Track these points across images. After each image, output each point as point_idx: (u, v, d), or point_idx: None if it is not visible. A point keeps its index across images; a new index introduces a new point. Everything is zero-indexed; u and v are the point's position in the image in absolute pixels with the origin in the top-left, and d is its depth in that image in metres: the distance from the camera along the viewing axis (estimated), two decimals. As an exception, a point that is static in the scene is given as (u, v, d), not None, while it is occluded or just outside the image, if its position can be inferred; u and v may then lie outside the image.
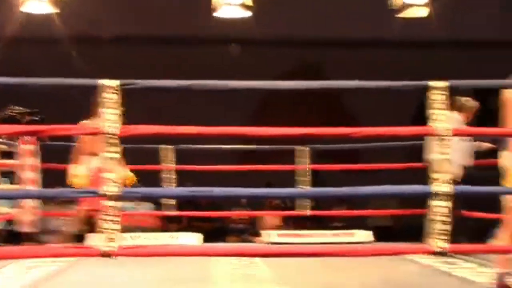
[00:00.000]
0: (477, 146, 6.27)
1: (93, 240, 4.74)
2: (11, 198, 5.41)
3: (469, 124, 6.01)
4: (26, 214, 6.12)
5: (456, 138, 5.31)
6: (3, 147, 6.35)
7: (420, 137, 5.63)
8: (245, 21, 8.99)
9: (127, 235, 5.88)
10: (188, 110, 9.05)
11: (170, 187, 6.51)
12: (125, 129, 3.38)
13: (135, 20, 10.03)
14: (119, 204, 3.30)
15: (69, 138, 5.71)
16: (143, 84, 3.50)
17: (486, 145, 6.28)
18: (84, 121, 5.29)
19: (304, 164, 6.85)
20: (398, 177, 5.70)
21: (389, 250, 4.17)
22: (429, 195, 3.40)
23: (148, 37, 10.25)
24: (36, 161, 6.17)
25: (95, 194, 3.43)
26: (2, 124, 5.84)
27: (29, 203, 6.04)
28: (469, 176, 5.82)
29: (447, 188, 3.36)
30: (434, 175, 3.40)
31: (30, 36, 9.12)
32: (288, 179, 6.84)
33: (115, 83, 3.36)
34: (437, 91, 3.47)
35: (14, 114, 7.01)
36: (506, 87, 3.78)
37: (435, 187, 3.38)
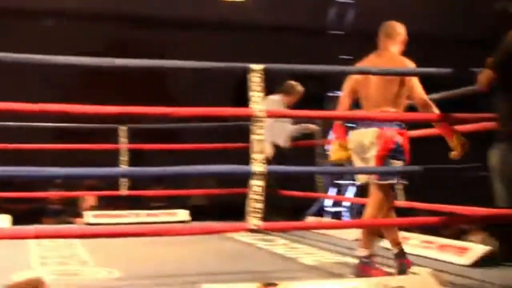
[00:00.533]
0: (304, 128, 6.52)
1: None
2: None
3: (294, 107, 6.24)
4: None
5: (271, 120, 5.51)
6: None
7: (241, 118, 5.79)
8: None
9: None
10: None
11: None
12: None
13: None
14: None
15: None
16: None
17: (313, 127, 6.56)
18: None
19: (122, 143, 6.73)
20: (218, 157, 5.81)
21: (206, 229, 4.23)
22: (247, 175, 3.48)
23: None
24: None
25: None
26: None
27: None
28: (284, 156, 6.07)
29: (261, 167, 3.45)
30: (252, 155, 3.49)
31: None
32: (106, 158, 6.69)
33: None
34: (256, 73, 3.54)
35: None
36: (322, 73, 3.99)
37: (252, 167, 3.47)
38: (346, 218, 9.05)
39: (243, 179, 3.62)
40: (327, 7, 9.84)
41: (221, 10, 10.86)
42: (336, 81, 9.79)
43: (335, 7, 9.80)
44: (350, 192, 9.20)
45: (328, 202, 9.08)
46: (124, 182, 6.74)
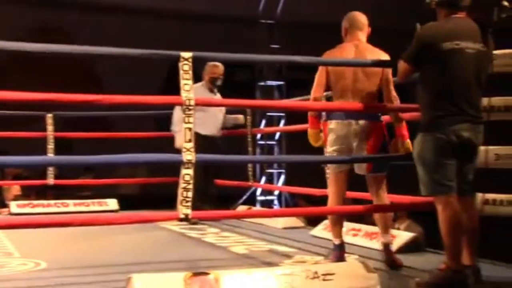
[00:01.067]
0: (234, 119, 6.49)
1: None
2: None
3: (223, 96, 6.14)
4: None
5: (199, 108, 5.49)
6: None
7: (171, 106, 5.75)
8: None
9: None
10: None
11: None
12: None
13: None
14: None
15: None
16: None
17: (241, 117, 6.52)
18: None
19: (49, 131, 6.57)
20: (148, 146, 5.75)
21: (136, 218, 4.18)
22: (177, 164, 3.46)
23: None
24: None
25: None
26: None
27: None
28: (215, 145, 6.05)
29: (191, 156, 3.44)
30: (183, 144, 3.46)
31: None
32: (32, 146, 6.51)
33: None
34: (186, 61, 3.51)
35: None
36: (252, 62, 3.98)
37: (182, 156, 3.44)
38: (276, 206, 9.14)
39: (175, 168, 3.60)
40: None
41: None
42: (266, 70, 9.88)
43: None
44: (280, 181, 9.29)
45: (259, 191, 9.14)
46: (51, 171, 6.59)
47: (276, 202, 9.30)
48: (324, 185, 5.46)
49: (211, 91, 6.09)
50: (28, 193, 8.37)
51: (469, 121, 3.20)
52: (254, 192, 8.97)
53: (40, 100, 3.42)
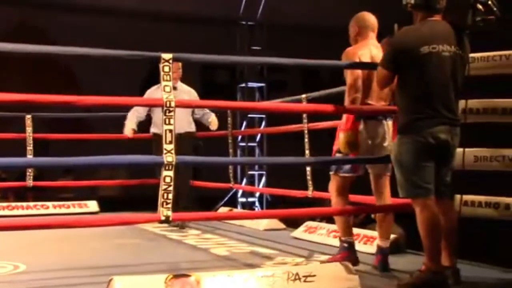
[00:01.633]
0: (207, 121, 6.40)
1: None
2: None
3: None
4: None
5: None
6: None
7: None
8: None
9: None
10: None
11: None
12: None
13: None
14: None
15: None
16: None
17: (213, 119, 6.38)
18: None
19: (27, 132, 6.51)
20: (128, 148, 5.72)
21: (117, 220, 4.16)
22: (158, 165, 3.45)
23: None
24: None
25: None
26: None
27: None
28: (185, 143, 6.00)
29: (171, 158, 3.42)
30: (163, 146, 3.45)
31: None
32: (11, 148, 6.45)
33: None
34: (166, 63, 3.50)
35: None
36: (232, 64, 3.97)
37: (162, 157, 3.43)
38: (257, 208, 9.14)
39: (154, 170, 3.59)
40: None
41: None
42: (247, 72, 9.89)
43: (247, -2, 9.84)
44: (261, 183, 9.30)
45: (240, 192, 9.15)
46: (30, 172, 6.53)
47: (257, 203, 9.31)
48: (304, 187, 5.50)
49: (174, 88, 5.83)
50: (6, 195, 8.30)
51: (446, 123, 3.23)
52: (235, 194, 8.98)
53: (18, 101, 3.39)
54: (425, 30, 3.25)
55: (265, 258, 4.12)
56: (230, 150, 6.79)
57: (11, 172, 8.24)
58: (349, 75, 3.69)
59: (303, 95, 5.50)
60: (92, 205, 6.87)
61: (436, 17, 3.29)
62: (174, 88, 5.73)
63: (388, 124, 3.78)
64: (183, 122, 5.74)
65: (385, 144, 3.77)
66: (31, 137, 6.49)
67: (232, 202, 8.63)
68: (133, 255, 4.39)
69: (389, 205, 4.11)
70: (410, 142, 3.22)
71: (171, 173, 3.43)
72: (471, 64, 3.76)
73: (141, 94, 5.87)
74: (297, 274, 3.02)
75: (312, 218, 5.48)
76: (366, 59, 3.72)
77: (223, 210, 6.95)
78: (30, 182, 6.54)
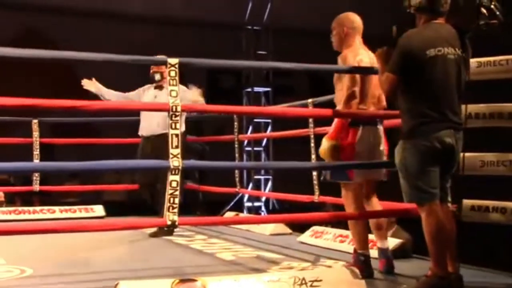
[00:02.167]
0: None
1: None
2: None
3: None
4: None
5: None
6: None
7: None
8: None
9: None
10: None
11: None
12: None
13: None
14: None
15: None
16: None
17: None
18: None
19: (34, 137, 6.53)
20: (134, 152, 5.73)
21: (123, 224, 4.16)
22: (165, 170, 3.45)
23: None
24: None
25: None
26: None
27: None
28: (201, 151, 6.01)
29: (177, 162, 3.43)
30: (170, 150, 3.46)
31: None
32: (18, 152, 6.47)
33: None
34: (172, 67, 3.51)
35: None
36: (238, 68, 3.97)
37: (168, 162, 3.44)
38: (263, 213, 9.14)
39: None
40: (246, 2, 9.88)
41: (141, 4, 10.72)
42: (253, 76, 9.90)
43: (252, 2, 9.85)
44: (267, 187, 9.30)
45: (246, 197, 9.15)
46: (36, 177, 6.54)
47: (263, 208, 9.30)
48: (311, 192, 5.50)
49: (160, 88, 5.61)
50: (12, 199, 8.32)
51: (451, 127, 3.21)
52: (241, 199, 8.98)
53: (25, 106, 3.41)
54: (430, 33, 3.24)
55: (272, 263, 4.12)
56: (236, 155, 6.79)
57: (18, 177, 8.25)
58: (349, 81, 3.65)
59: (309, 100, 5.50)
60: (98, 210, 6.88)
61: (439, 20, 3.28)
62: (161, 87, 5.69)
63: (380, 129, 3.79)
64: (158, 123, 5.49)
65: (381, 148, 3.78)
66: (37, 142, 6.51)
67: (238, 207, 8.63)
68: (139, 259, 4.39)
69: (394, 210, 4.10)
70: (415, 147, 3.20)
71: (177, 177, 3.43)
72: (478, 68, 3.74)
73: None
74: (303, 279, 3.02)
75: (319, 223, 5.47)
76: (366, 64, 3.70)
77: (229, 214, 6.95)
78: (36, 187, 6.56)
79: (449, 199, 3.40)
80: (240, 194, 8.38)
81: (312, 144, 5.53)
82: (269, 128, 9.40)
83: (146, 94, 5.64)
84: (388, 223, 4.20)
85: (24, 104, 3.35)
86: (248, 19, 9.88)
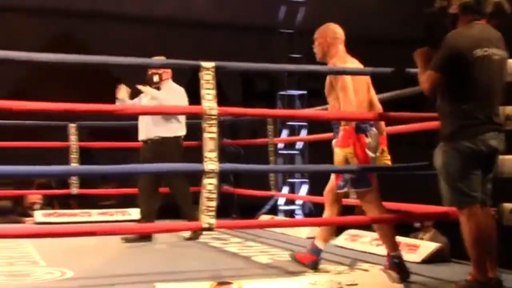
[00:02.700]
0: None
1: None
2: None
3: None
4: None
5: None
6: None
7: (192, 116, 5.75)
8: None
9: None
10: None
11: None
12: None
13: None
14: None
15: None
16: None
17: None
18: None
19: (72, 141, 6.64)
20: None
21: (159, 227, 4.21)
22: (200, 173, 3.48)
23: None
24: None
25: None
26: None
27: None
28: (235, 154, 6.02)
29: (213, 165, 3.45)
30: (204, 154, 3.48)
31: None
32: (56, 156, 6.59)
33: None
34: (207, 71, 3.53)
35: None
36: (272, 71, 3.98)
37: (204, 165, 3.46)
38: (299, 216, 9.11)
39: (198, 178, 3.61)
40: (278, 5, 9.88)
41: (171, 7, 10.79)
42: (287, 79, 9.88)
43: (286, 5, 9.84)
44: (303, 190, 9.27)
45: (281, 200, 9.14)
46: (74, 180, 6.65)
47: (299, 211, 9.28)
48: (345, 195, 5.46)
49: (158, 89, 5.61)
50: (51, 203, 8.45)
51: (495, 129, 3.16)
52: (276, 202, 8.97)
53: (63, 110, 3.47)
54: (477, 33, 3.17)
55: (307, 267, 4.10)
56: (271, 158, 6.79)
57: (56, 180, 8.38)
58: (344, 90, 3.69)
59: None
60: (134, 213, 6.94)
61: (482, 21, 3.24)
62: (158, 89, 5.70)
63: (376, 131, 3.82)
64: (150, 126, 5.52)
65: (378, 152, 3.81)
66: (75, 146, 6.61)
67: (274, 210, 8.63)
68: (176, 262, 4.42)
69: (431, 213, 4.06)
70: (458, 149, 3.13)
71: (213, 180, 3.45)
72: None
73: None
74: (339, 282, 3.01)
75: (354, 226, 5.44)
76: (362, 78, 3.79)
77: (264, 218, 6.96)
78: (74, 190, 6.66)
79: (489, 202, 3.35)
80: (275, 198, 8.39)
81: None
82: (304, 131, 9.38)
83: (143, 98, 5.65)
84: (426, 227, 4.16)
85: (62, 108, 3.42)
86: (281, 22, 9.87)
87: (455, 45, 3.16)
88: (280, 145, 9.14)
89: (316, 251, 3.93)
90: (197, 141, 4.38)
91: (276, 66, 6.12)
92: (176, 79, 5.76)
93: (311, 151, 9.39)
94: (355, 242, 4.95)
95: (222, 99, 3.65)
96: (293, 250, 4.83)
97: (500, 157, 3.35)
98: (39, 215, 6.69)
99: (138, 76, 5.56)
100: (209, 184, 3.46)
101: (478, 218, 3.12)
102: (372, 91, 3.92)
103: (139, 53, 3.67)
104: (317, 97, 9.67)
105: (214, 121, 3.50)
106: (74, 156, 6.61)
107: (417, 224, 6.07)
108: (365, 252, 4.65)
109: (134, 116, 5.57)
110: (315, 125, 8.42)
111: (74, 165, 6.34)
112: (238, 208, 6.28)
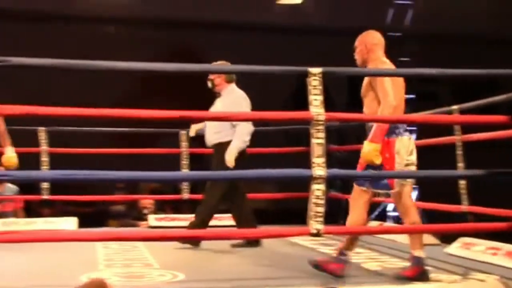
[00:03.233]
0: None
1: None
2: None
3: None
4: None
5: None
6: None
7: (297, 121, 5.77)
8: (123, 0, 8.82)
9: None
10: (62, 90, 8.76)
11: (42, 170, 6.24)
12: (-4, 109, 3.24)
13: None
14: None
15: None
16: (16, 61, 3.30)
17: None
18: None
19: (183, 147, 6.83)
20: (278, 161, 5.80)
21: (268, 233, 4.25)
22: (308, 179, 3.48)
23: (21, 13, 9.76)
24: None
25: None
26: None
27: None
28: (342, 159, 5.96)
29: (322, 171, 3.45)
30: (313, 159, 3.49)
31: None
32: (168, 162, 6.80)
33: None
34: (315, 77, 3.54)
35: None
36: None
37: (312, 171, 3.47)
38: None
39: (305, 183, 3.62)
40: (385, 8, 9.74)
41: (278, 13, 10.89)
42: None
43: (394, 8, 9.69)
44: (413, 197, 9.06)
45: (390, 207, 8.98)
46: (186, 185, 6.83)
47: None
48: (457, 201, 5.30)
49: (218, 95, 5.63)
50: (162, 207, 8.73)
51: None
52: (385, 208, 8.83)
53: (175, 118, 3.59)
54: None
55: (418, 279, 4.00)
56: (379, 163, 6.67)
57: (168, 186, 8.65)
58: (384, 91, 3.77)
59: (454, 107, 5.31)
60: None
61: None
62: (219, 95, 5.69)
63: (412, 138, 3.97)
64: (210, 132, 5.51)
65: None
66: (186, 152, 6.79)
67: (382, 217, 8.49)
68: (285, 268, 4.42)
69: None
70: None
71: (321, 186, 3.46)
72: None
73: (286, 109, 5.89)
74: (453, 292, 2.92)
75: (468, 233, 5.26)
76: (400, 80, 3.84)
77: (373, 224, 6.85)
78: (186, 195, 6.84)
79: None
80: (383, 204, 8.24)
81: (459, 152, 5.34)
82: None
83: (218, 102, 5.64)
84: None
85: (173, 116, 3.54)
86: (389, 25, 9.73)
87: None
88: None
89: (419, 261, 3.83)
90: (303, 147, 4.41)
91: (384, 71, 6.03)
92: (284, 83, 5.79)
93: (421, 156, 9.16)
94: (469, 250, 4.78)
95: (328, 104, 3.67)
96: (402, 257, 4.74)
97: None
98: (152, 220, 6.92)
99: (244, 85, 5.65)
100: (317, 190, 3.47)
101: None
102: None
103: (249, 61, 3.75)
104: (426, 101, 9.48)
105: (321, 127, 3.51)
106: (184, 162, 6.80)
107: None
108: (479, 261, 4.47)
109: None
110: (425, 129, 8.22)
111: (185, 171, 6.52)
112: (346, 214, 6.19)
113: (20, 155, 5.03)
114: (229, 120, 4.89)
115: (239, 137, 5.33)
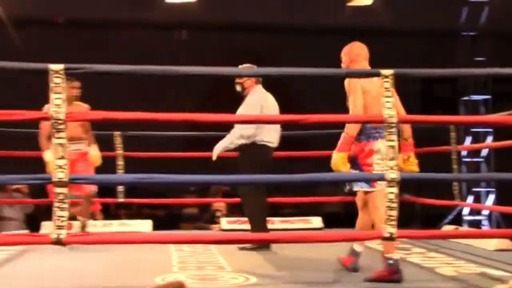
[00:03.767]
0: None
1: (48, 227, 4.63)
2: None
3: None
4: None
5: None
6: None
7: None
8: (193, 5, 8.97)
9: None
10: (135, 95, 8.97)
11: (117, 174, 6.41)
12: (71, 114, 3.35)
13: (80, 2, 9.83)
14: (65, 190, 3.24)
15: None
16: (89, 68, 3.42)
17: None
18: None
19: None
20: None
21: (340, 236, 4.22)
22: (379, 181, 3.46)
23: (93, 21, 10.06)
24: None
25: (45, 180, 3.39)
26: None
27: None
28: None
29: (394, 174, 3.42)
30: (386, 162, 3.46)
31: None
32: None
33: (59, 67, 3.28)
34: (386, 79, 3.52)
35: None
36: (451, 77, 3.85)
37: (384, 174, 3.44)
38: (485, 227, 8.68)
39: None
40: (460, 7, 9.52)
41: (346, 16, 10.81)
42: (472, 84, 9.47)
43: (468, 6, 9.46)
44: (489, 200, 8.82)
45: (465, 210, 8.77)
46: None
47: (485, 222, 8.84)
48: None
49: (243, 99, 5.52)
50: (233, 210, 8.80)
51: None
52: (460, 212, 8.62)
53: (248, 121, 3.62)
54: None
55: (497, 281, 3.88)
56: (454, 166, 6.52)
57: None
58: (358, 102, 3.88)
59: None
60: (316, 221, 7.01)
61: None
62: (244, 98, 5.61)
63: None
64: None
65: None
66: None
67: (458, 221, 8.28)
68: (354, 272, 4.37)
69: None
70: None
71: (394, 189, 3.42)
72: None
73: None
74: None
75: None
76: (366, 87, 3.89)
77: (447, 228, 6.70)
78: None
79: None
80: (459, 207, 8.05)
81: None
82: (490, 138, 8.93)
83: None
84: None
85: (245, 119, 3.57)
86: (463, 24, 9.50)
87: None
88: (463, 153, 8.78)
89: (393, 263, 3.84)
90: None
91: (457, 71, 5.91)
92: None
93: (497, 158, 8.92)
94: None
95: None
96: (479, 262, 4.61)
97: None
98: (224, 223, 6.99)
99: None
100: (390, 193, 3.44)
101: None
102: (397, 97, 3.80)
103: (318, 65, 3.77)
104: (503, 101, 9.21)
105: (394, 129, 3.49)
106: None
107: None
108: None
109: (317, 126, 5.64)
110: (502, 131, 7.99)
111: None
112: (420, 218, 6.11)
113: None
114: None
115: (230, 137, 5.39)
